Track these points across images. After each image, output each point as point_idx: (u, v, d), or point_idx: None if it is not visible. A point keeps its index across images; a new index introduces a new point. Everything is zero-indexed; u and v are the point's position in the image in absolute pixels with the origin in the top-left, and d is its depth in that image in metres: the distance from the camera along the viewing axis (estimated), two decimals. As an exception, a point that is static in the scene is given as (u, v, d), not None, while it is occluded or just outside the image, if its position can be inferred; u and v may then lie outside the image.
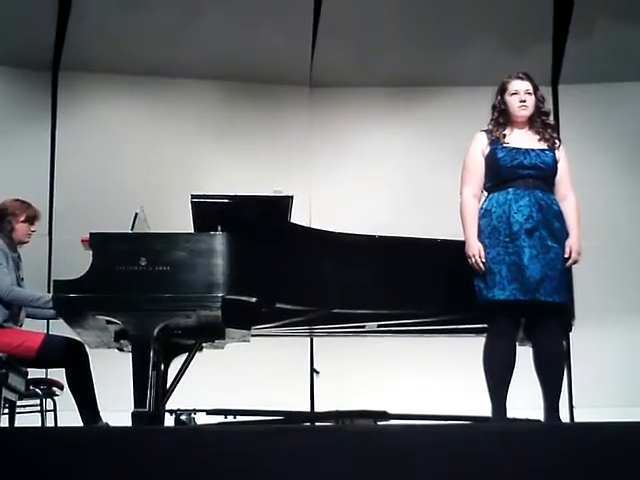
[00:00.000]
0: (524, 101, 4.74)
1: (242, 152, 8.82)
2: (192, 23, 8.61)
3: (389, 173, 8.86)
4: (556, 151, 4.74)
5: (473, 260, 4.59)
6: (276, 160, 8.70)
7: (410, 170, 8.87)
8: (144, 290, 4.49)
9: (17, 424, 5.44)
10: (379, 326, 5.34)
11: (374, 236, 5.08)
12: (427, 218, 7.85)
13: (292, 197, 4.77)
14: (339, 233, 4.98)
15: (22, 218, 5.53)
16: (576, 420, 8.04)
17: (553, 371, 4.65)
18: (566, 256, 4.60)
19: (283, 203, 4.79)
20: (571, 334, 5.16)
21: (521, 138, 4.75)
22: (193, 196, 4.72)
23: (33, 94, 8.64)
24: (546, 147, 4.73)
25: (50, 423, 5.95)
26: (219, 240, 4.59)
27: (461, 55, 8.81)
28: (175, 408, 5.56)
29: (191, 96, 8.87)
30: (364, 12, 8.67)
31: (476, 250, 4.59)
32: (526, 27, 8.75)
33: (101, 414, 5.19)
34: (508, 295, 4.53)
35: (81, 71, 8.66)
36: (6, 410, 5.32)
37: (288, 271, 4.75)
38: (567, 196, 4.74)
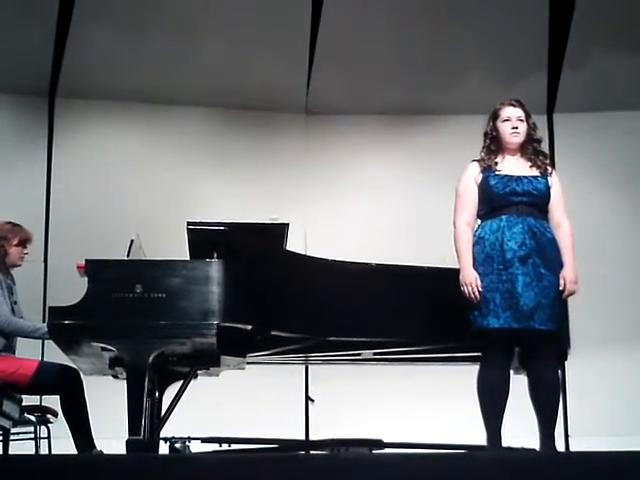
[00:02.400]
0: (516, 128, 4.72)
1: (238, 179, 8.83)
2: (189, 51, 8.65)
3: (384, 201, 8.88)
4: (548, 177, 4.72)
5: (469, 289, 4.56)
6: (272, 187, 8.72)
7: (405, 198, 8.89)
8: (139, 317, 4.48)
9: (11, 451, 5.42)
10: (375, 354, 5.33)
11: (370, 264, 5.08)
12: (423, 246, 7.86)
13: (288, 224, 4.78)
14: (334, 260, 4.98)
15: (15, 242, 5.44)
16: (572, 449, 8.01)
17: (548, 400, 4.63)
18: (561, 289, 4.57)
19: (279, 230, 4.80)
20: (567, 363, 5.15)
21: (513, 165, 4.73)
22: (189, 223, 4.73)
23: (30, 120, 8.66)
24: (538, 174, 4.71)
25: (44, 450, 5.94)
26: (215, 267, 4.57)
27: (457, 84, 8.86)
28: (170, 436, 5.52)
29: (187, 123, 8.90)
30: (360, 41, 8.72)
31: (472, 279, 4.57)
32: (522, 56, 8.80)
33: (95, 442, 5.16)
34: (502, 323, 4.51)
35: (78, 98, 8.70)
36: (0, 437, 5.30)
37: (283, 299, 4.74)
38: (561, 223, 4.71)
